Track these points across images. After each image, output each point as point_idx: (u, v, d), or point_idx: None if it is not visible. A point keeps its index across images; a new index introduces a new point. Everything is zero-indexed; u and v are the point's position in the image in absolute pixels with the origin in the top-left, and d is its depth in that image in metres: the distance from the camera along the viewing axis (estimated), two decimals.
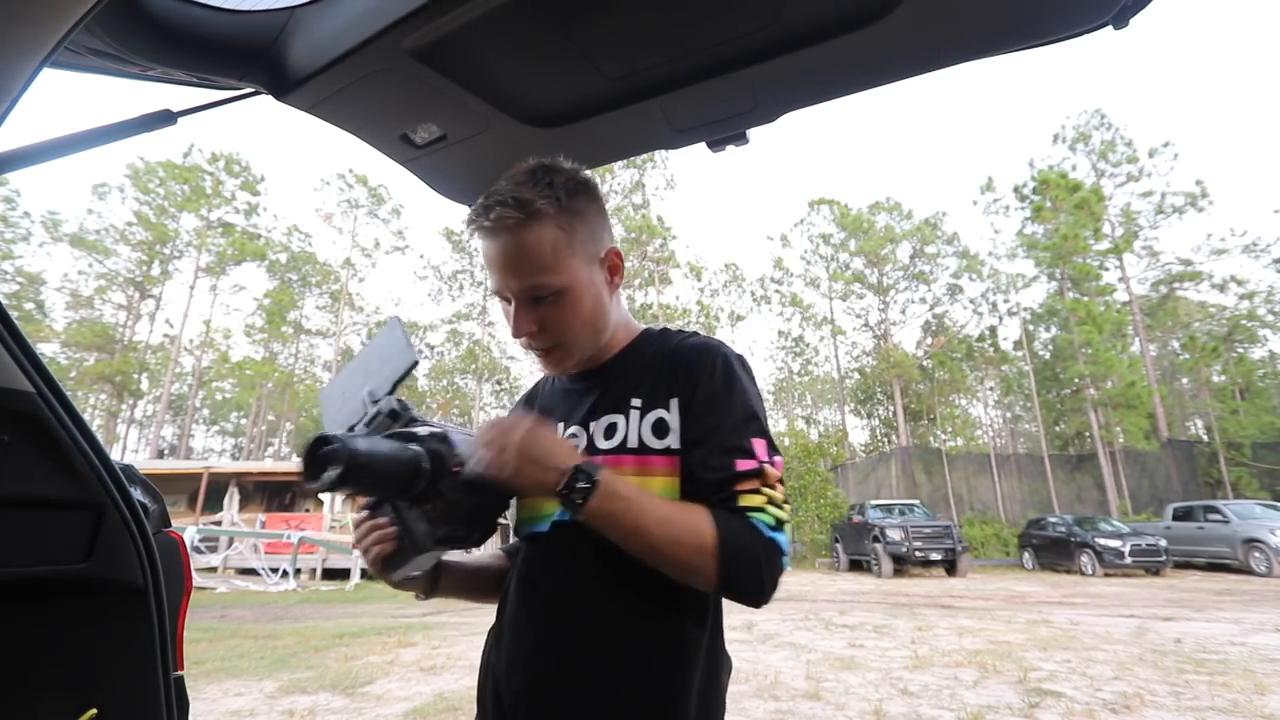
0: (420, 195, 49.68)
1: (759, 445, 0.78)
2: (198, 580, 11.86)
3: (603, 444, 0.83)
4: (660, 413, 0.82)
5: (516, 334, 0.81)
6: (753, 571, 0.71)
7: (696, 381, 0.82)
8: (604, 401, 0.87)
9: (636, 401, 0.84)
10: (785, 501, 0.77)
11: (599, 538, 0.74)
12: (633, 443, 0.81)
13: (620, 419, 0.84)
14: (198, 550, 14.37)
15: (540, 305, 0.81)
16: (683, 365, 0.84)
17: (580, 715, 0.73)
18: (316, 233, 42.72)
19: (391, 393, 0.85)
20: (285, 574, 13.27)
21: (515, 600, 0.85)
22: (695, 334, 0.91)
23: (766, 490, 0.75)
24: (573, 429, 0.88)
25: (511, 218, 0.77)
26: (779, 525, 0.74)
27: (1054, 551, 15.19)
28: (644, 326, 0.96)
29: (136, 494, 1.14)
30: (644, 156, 25.03)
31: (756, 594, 0.72)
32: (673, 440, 0.80)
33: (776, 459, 0.79)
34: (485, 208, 0.78)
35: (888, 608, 8.94)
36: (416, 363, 0.87)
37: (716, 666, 0.80)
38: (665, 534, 0.70)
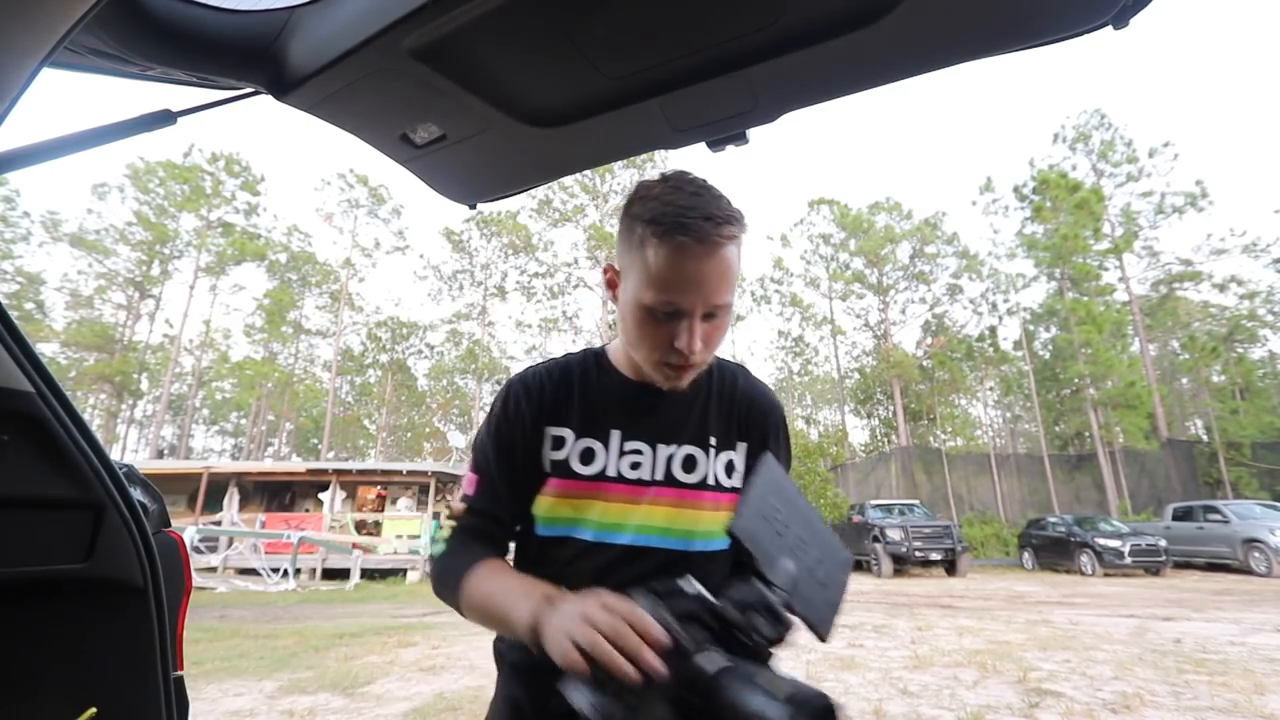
0: (420, 195, 49.68)
1: None
2: (198, 580, 11.86)
3: (683, 476, 0.87)
4: (730, 455, 0.90)
5: (690, 349, 0.77)
6: None
7: (767, 436, 0.93)
8: (683, 430, 0.89)
9: (713, 439, 0.89)
10: None
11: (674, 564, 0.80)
12: (711, 480, 0.88)
13: (700, 454, 0.88)
14: (198, 550, 14.37)
15: (707, 322, 0.79)
16: (753, 414, 0.93)
17: None
18: (316, 233, 42.84)
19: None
20: (285, 574, 13.26)
21: None
22: (750, 374, 0.98)
23: None
24: (637, 444, 0.87)
25: (735, 235, 0.76)
26: None
27: (1054, 551, 15.19)
28: None
29: (136, 494, 1.14)
30: (644, 156, 25.02)
31: None
32: (737, 480, 0.89)
33: None
34: (710, 220, 0.73)
35: (887, 607, 8.94)
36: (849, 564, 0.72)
37: None
38: None
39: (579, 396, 0.91)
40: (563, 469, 0.87)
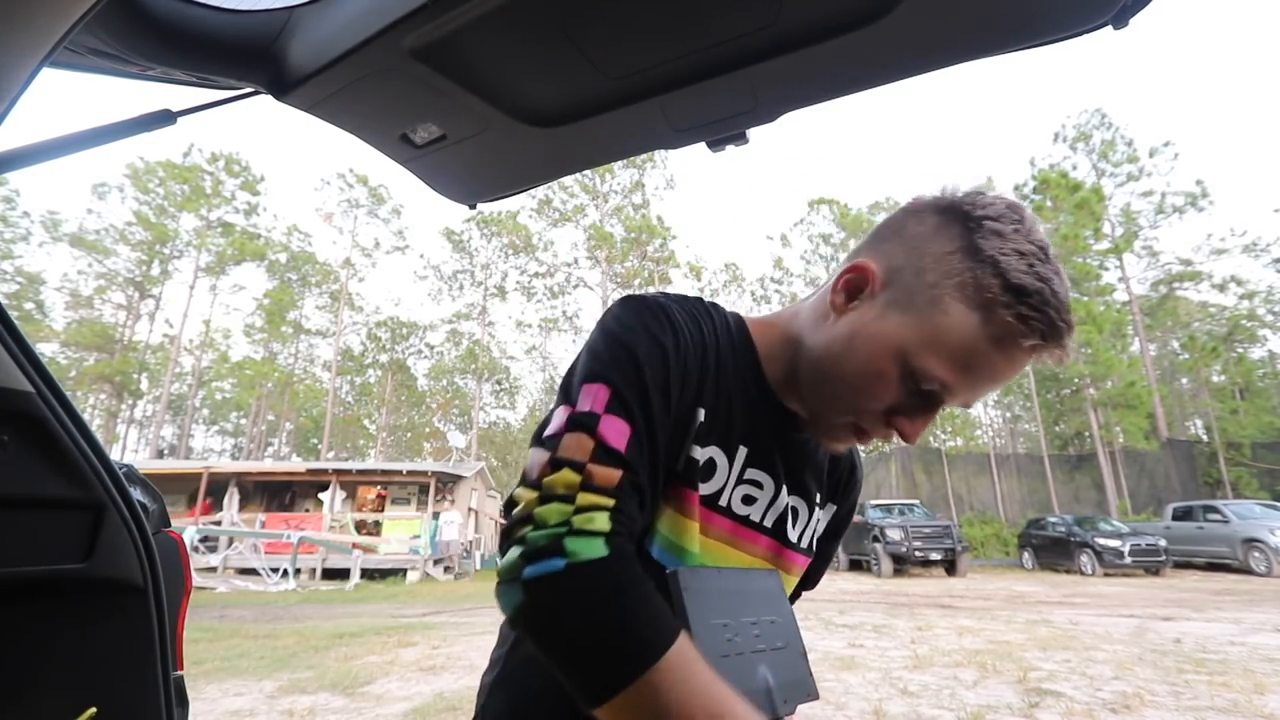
0: (420, 195, 49.71)
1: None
2: (198, 580, 11.86)
3: (790, 532, 0.71)
4: (820, 515, 0.78)
5: (908, 439, 0.60)
6: None
7: (853, 506, 0.83)
8: (802, 476, 0.72)
9: (818, 497, 0.76)
10: None
11: None
12: (806, 542, 0.75)
13: (805, 510, 0.74)
14: (197, 550, 14.38)
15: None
16: (854, 478, 0.82)
17: None
18: (316, 233, 42.90)
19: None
20: (285, 574, 13.27)
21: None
22: None
23: None
24: (759, 475, 0.66)
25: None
26: None
27: (1054, 551, 15.21)
28: None
29: (136, 494, 1.15)
30: (644, 156, 25.03)
31: None
32: (813, 541, 0.79)
33: None
34: (1067, 327, 0.53)
35: (887, 607, 8.94)
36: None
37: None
38: None
39: (716, 379, 0.63)
40: (689, 473, 0.61)
